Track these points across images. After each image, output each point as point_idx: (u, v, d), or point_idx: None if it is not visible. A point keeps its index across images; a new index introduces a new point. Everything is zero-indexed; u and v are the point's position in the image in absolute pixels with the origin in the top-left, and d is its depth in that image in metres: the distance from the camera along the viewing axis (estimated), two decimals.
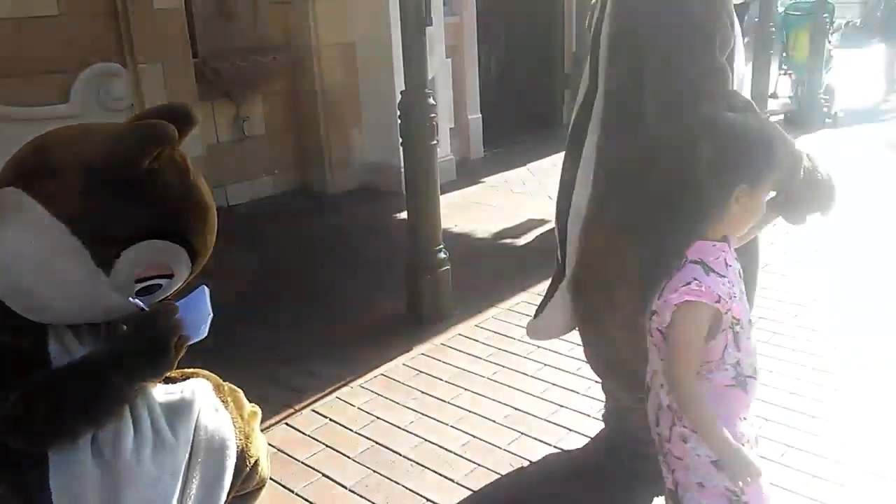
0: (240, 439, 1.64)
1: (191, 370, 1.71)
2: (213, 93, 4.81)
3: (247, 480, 1.68)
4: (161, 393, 1.55)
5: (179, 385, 1.61)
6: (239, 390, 1.77)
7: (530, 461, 2.26)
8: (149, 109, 1.43)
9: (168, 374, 1.62)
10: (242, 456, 1.64)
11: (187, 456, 1.51)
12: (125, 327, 1.38)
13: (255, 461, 1.69)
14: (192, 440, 1.53)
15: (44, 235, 1.23)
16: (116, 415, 1.38)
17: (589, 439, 2.34)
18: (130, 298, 1.32)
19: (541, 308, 2.19)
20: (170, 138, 1.26)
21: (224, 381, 1.78)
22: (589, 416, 2.45)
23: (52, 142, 1.32)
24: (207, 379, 1.71)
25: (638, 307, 1.57)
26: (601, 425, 2.36)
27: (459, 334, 3.10)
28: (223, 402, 1.67)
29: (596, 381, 2.59)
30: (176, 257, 1.33)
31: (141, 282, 1.32)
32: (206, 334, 1.46)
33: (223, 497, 1.58)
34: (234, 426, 1.64)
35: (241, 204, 5.10)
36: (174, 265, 1.34)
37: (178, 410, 1.53)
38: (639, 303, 1.55)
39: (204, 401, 1.61)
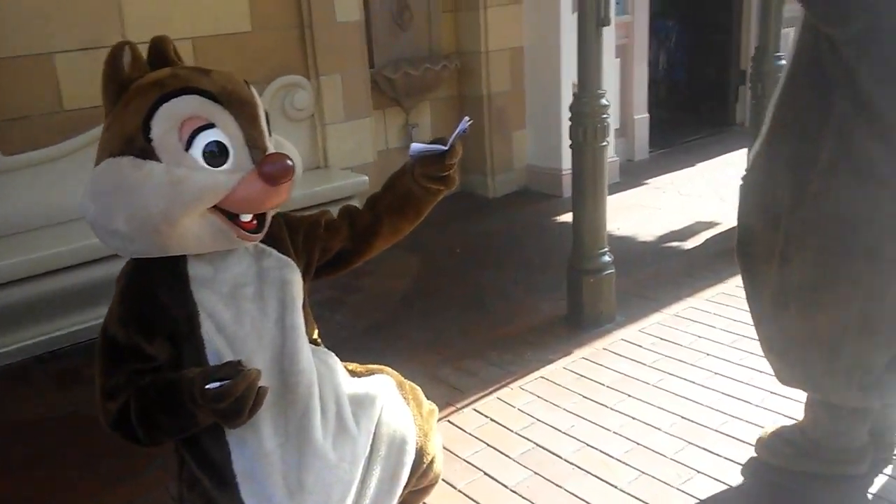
0: (419, 437, 1.69)
1: (376, 366, 1.78)
2: (384, 101, 5.04)
3: (422, 477, 1.73)
4: (348, 385, 1.61)
5: (365, 379, 1.68)
6: (418, 388, 1.81)
7: (698, 471, 2.18)
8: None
9: (354, 370, 1.71)
10: (421, 453, 1.68)
11: (368, 448, 1.58)
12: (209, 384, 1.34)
13: (432, 459, 1.73)
14: (374, 434, 1.59)
15: (107, 170, 1.33)
16: (202, 427, 1.43)
17: None
18: (209, 386, 1.32)
19: None
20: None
21: None
22: (763, 427, 2.31)
23: None
24: (391, 376, 1.77)
25: None
26: None
27: (622, 339, 3.04)
28: (405, 399, 1.73)
29: (771, 392, 2.47)
30: (196, 106, 1.33)
31: (191, 141, 1.32)
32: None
33: (399, 492, 1.64)
34: (415, 424, 1.69)
35: None
36: (202, 113, 1.34)
37: (362, 403, 1.60)
38: None
39: (387, 397, 1.67)
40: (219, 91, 1.35)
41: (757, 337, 2.14)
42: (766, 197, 1.94)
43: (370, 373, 1.74)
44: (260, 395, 1.35)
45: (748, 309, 2.13)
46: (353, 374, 1.70)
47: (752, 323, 2.87)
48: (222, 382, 1.32)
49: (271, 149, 1.41)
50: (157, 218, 1.30)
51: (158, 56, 1.45)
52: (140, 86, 1.35)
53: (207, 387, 1.32)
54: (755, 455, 2.21)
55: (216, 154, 1.33)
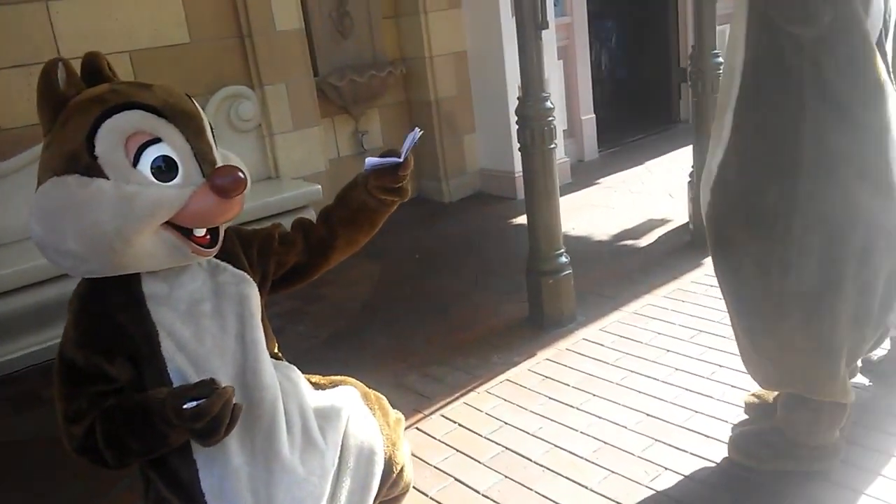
0: (387, 447, 1.67)
1: (339, 378, 1.75)
2: (333, 109, 4.99)
3: (392, 487, 1.71)
4: (312, 398, 1.59)
5: (329, 392, 1.66)
6: (384, 397, 1.80)
7: (666, 468, 2.19)
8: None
9: (317, 382, 1.69)
10: (390, 463, 1.67)
11: (336, 461, 1.55)
12: (186, 403, 1.32)
13: (402, 468, 1.72)
14: (342, 446, 1.58)
15: (52, 190, 1.28)
16: (172, 448, 1.40)
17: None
18: (186, 406, 1.29)
19: None
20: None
21: None
22: (726, 421, 2.34)
23: None
24: (355, 387, 1.75)
25: None
26: None
27: (584, 339, 3.06)
28: (371, 409, 1.71)
29: (732, 386, 2.50)
30: (140, 121, 1.30)
31: (138, 157, 1.28)
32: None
33: (370, 503, 1.62)
34: (382, 433, 1.68)
35: None
36: (147, 128, 1.30)
37: (327, 416, 1.58)
38: None
39: (353, 408, 1.65)
40: (162, 105, 1.32)
41: (738, 345, 2.10)
42: (749, 206, 1.88)
43: (334, 384, 1.72)
44: (235, 413, 1.34)
45: (727, 313, 2.09)
46: (316, 386, 1.68)
47: (710, 318, 2.98)
48: (198, 401, 1.30)
49: (220, 162, 1.38)
50: (112, 235, 1.26)
51: (92, 72, 1.41)
52: (79, 102, 1.32)
53: (185, 406, 1.29)
54: (728, 456, 2.19)
55: (164, 169, 1.31)
